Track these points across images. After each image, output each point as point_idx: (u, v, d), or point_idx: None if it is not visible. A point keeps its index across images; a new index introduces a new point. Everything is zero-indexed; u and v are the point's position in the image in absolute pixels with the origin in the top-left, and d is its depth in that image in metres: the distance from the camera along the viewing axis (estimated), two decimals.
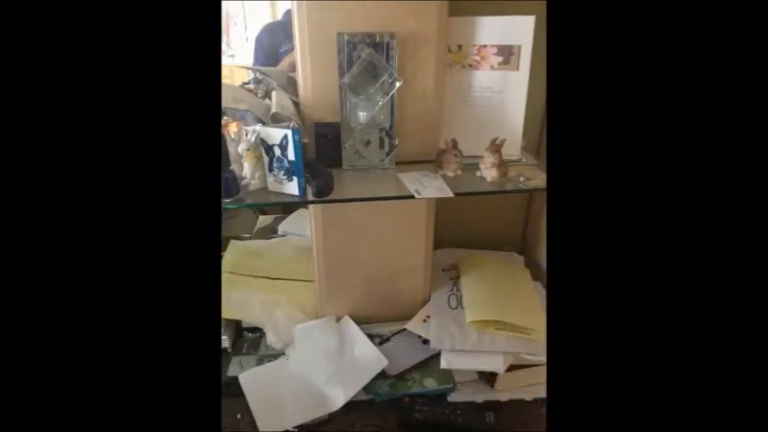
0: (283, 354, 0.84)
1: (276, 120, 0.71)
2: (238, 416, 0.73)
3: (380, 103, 0.71)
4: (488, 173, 0.71)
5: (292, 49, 0.70)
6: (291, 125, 0.65)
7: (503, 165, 0.71)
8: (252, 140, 0.66)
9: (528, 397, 0.77)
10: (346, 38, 0.67)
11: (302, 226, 1.09)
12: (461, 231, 1.05)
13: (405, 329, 0.87)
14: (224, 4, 1.01)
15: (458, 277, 0.94)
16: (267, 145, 0.66)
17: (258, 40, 1.01)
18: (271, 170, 0.68)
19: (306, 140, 0.72)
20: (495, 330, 0.79)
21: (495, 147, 0.70)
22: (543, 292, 0.91)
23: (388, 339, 0.86)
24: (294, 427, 0.71)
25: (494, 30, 0.74)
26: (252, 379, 0.79)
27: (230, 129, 0.72)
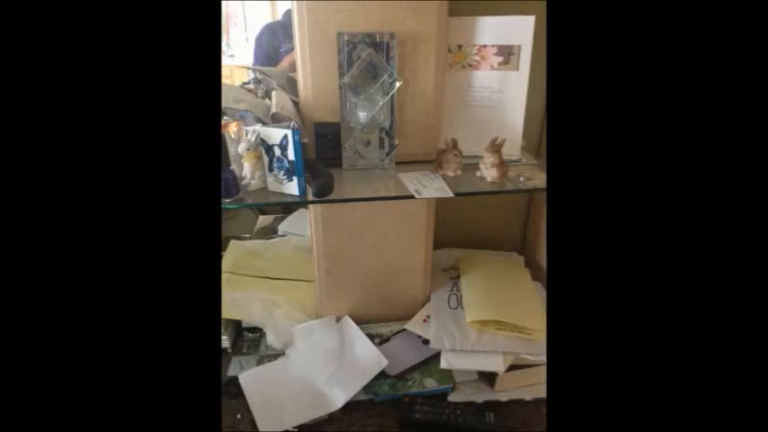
0: (283, 354, 0.84)
1: (276, 120, 0.71)
2: (238, 416, 0.73)
3: (380, 103, 0.71)
4: (488, 173, 0.72)
5: (292, 49, 0.70)
6: (291, 125, 0.65)
7: (503, 165, 0.71)
8: (252, 140, 0.66)
9: (528, 397, 0.77)
10: (346, 38, 0.67)
11: (302, 226, 1.10)
12: (461, 231, 1.05)
13: (405, 329, 0.87)
14: (224, 4, 1.01)
15: (458, 277, 0.94)
16: (267, 145, 0.66)
17: (258, 40, 1.01)
18: (271, 170, 0.68)
19: (306, 140, 0.73)
20: (495, 330, 0.79)
21: (495, 147, 0.70)
22: (543, 292, 0.91)
23: (388, 339, 0.87)
24: (294, 427, 0.71)
25: (494, 30, 0.74)
26: (252, 379, 0.79)
27: (230, 129, 0.72)
